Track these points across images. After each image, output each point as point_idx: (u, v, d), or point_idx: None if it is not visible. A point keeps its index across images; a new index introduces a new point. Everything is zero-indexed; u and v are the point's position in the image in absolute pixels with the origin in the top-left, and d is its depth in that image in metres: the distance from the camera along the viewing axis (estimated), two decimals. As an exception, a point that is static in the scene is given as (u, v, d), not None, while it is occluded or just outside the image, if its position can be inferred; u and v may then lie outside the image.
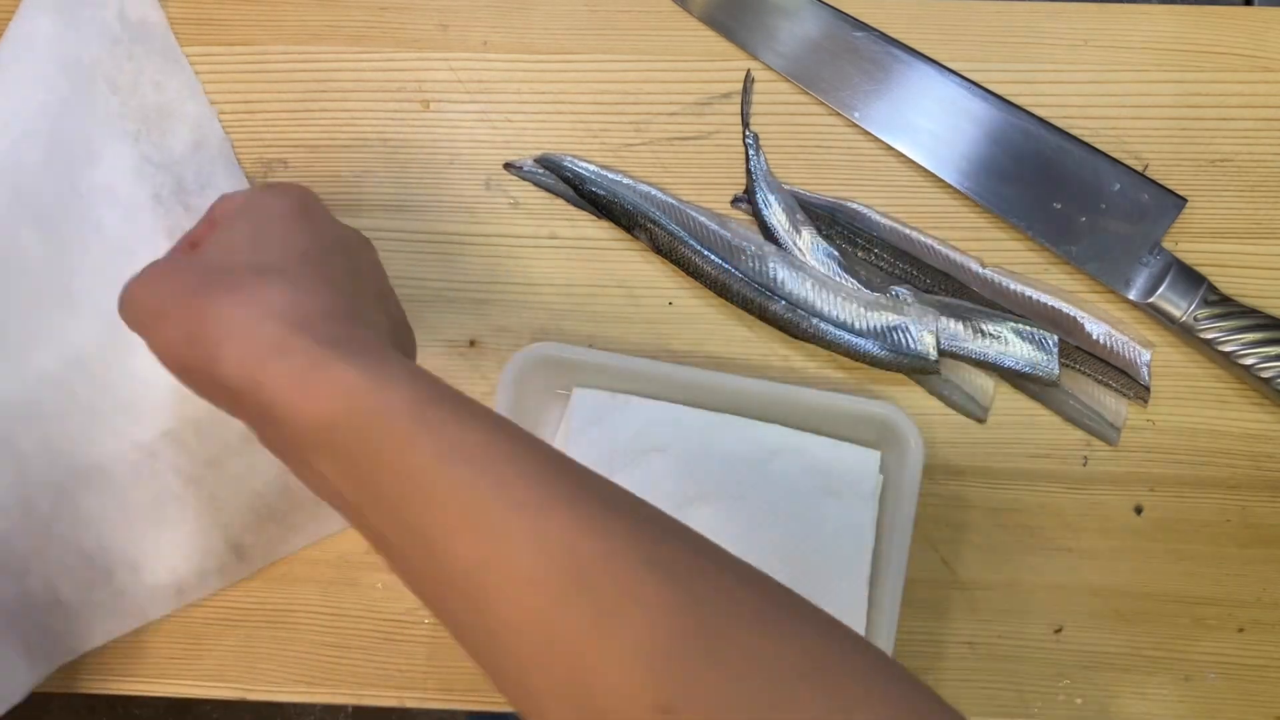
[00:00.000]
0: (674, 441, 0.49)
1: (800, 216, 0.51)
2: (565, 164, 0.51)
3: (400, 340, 0.41)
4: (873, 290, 0.51)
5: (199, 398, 0.36)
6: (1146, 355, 0.50)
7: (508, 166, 0.52)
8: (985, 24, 0.52)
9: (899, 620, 0.46)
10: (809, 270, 0.51)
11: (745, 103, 0.52)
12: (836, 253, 0.51)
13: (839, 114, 0.52)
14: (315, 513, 0.50)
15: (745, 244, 0.51)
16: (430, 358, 0.52)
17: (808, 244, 0.51)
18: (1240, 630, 0.50)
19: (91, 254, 0.49)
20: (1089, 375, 0.50)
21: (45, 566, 0.48)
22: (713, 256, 0.50)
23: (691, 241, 0.50)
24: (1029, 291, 0.50)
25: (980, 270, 0.51)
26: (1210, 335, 0.49)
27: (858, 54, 0.51)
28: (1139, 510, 0.50)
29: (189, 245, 0.39)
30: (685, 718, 0.27)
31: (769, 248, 0.51)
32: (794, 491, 0.48)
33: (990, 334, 0.50)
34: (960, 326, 0.50)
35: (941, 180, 0.51)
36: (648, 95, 0.52)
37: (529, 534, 0.29)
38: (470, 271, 0.52)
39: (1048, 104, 0.51)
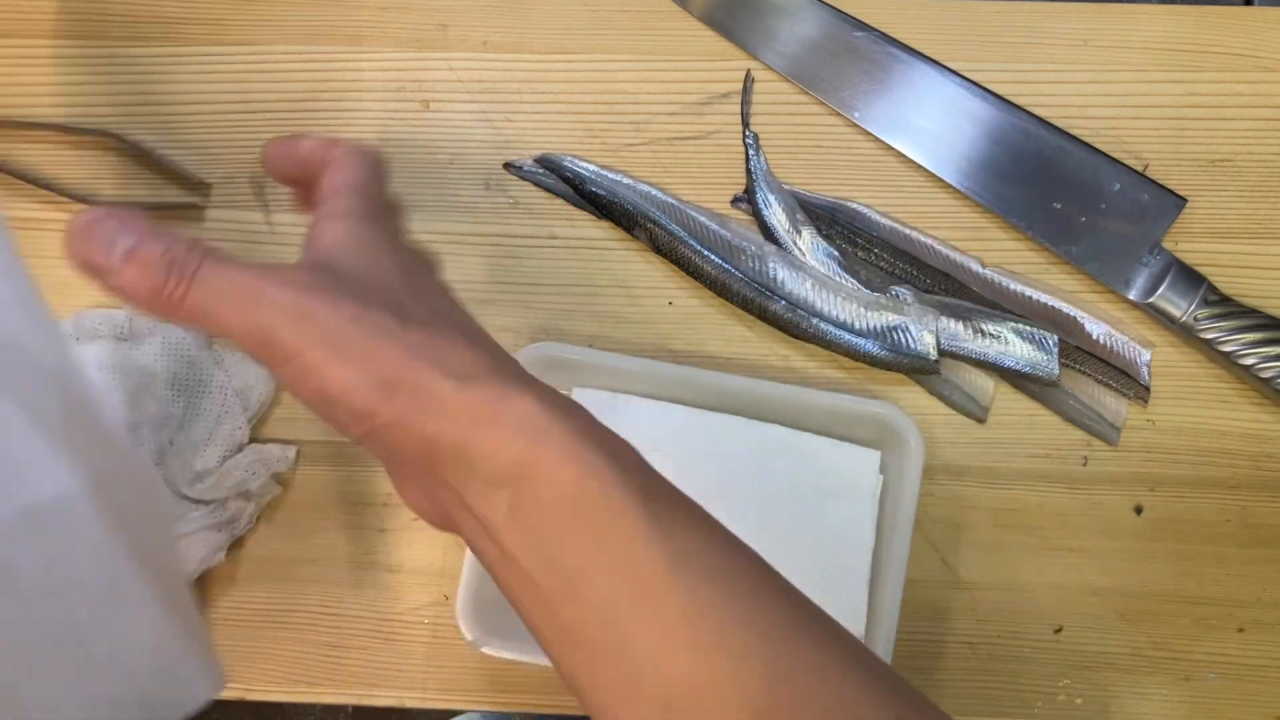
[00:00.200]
0: (674, 441, 0.49)
1: (800, 216, 0.51)
2: (565, 164, 0.51)
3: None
4: (873, 290, 0.51)
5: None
6: (1146, 355, 0.50)
7: (508, 166, 0.52)
8: (985, 24, 0.52)
9: (899, 620, 0.46)
10: (809, 270, 0.51)
11: (745, 103, 0.52)
12: (836, 253, 0.51)
13: (839, 114, 0.52)
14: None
15: (745, 244, 0.51)
16: (430, 358, 0.52)
17: (808, 244, 0.51)
18: (1240, 630, 0.50)
19: None
20: (1089, 375, 0.50)
21: None
22: (713, 256, 0.50)
23: (691, 241, 0.50)
24: (1029, 291, 0.50)
25: (980, 270, 0.51)
26: (1210, 335, 0.49)
27: (858, 54, 0.51)
28: (1139, 510, 0.50)
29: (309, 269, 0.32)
30: None
31: (769, 248, 0.51)
32: (794, 491, 0.48)
33: (990, 334, 0.50)
34: (960, 326, 0.50)
35: (941, 180, 0.51)
36: (648, 95, 0.52)
37: (759, 658, 0.28)
38: (470, 271, 0.52)
39: (1048, 104, 0.51)
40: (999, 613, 0.51)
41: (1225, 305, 0.49)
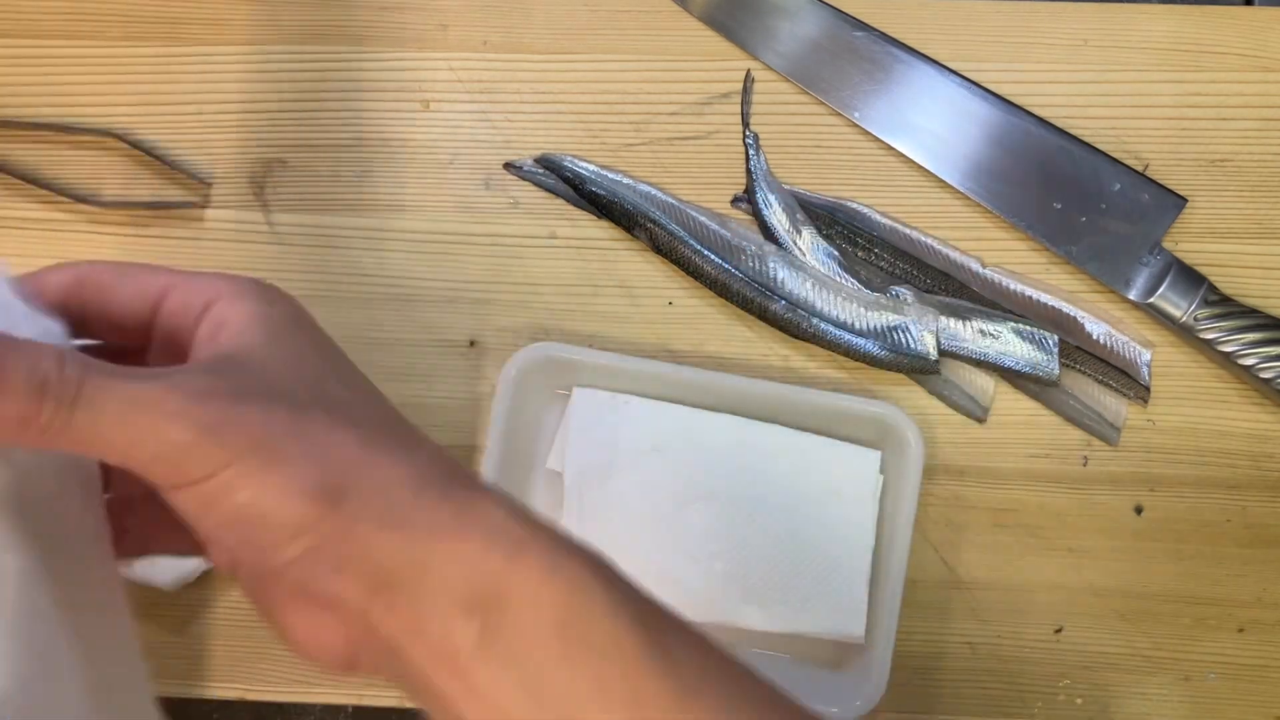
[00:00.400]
0: (674, 441, 0.49)
1: (800, 216, 0.51)
2: (565, 164, 0.51)
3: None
4: (873, 290, 0.51)
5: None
6: (1146, 355, 0.50)
7: (508, 166, 0.52)
8: (985, 24, 0.52)
9: (899, 620, 0.46)
10: (809, 270, 0.51)
11: (745, 103, 0.52)
12: (836, 253, 0.51)
13: (839, 114, 0.52)
14: None
15: (745, 244, 0.51)
16: (430, 357, 0.52)
17: (808, 244, 0.51)
18: (1240, 630, 0.50)
19: None
20: (1089, 375, 0.50)
21: None
22: (713, 256, 0.50)
23: (691, 241, 0.50)
24: (1029, 291, 0.50)
25: (980, 270, 0.51)
26: (1210, 335, 0.49)
27: (858, 54, 0.51)
28: (1139, 510, 0.50)
29: (202, 391, 0.25)
30: None
31: (769, 248, 0.51)
32: (794, 491, 0.48)
33: (990, 334, 0.50)
34: (960, 326, 0.50)
35: (942, 180, 0.51)
36: (648, 95, 0.52)
37: None
38: (470, 271, 0.52)
39: (1048, 104, 0.51)
40: (999, 613, 0.51)
41: (1225, 305, 0.49)
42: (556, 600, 0.25)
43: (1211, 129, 0.51)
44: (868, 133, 0.51)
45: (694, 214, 0.51)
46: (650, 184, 0.51)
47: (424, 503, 0.25)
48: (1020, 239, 0.51)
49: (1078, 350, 0.50)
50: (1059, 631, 0.50)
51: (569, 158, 0.52)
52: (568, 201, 0.52)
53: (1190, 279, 0.49)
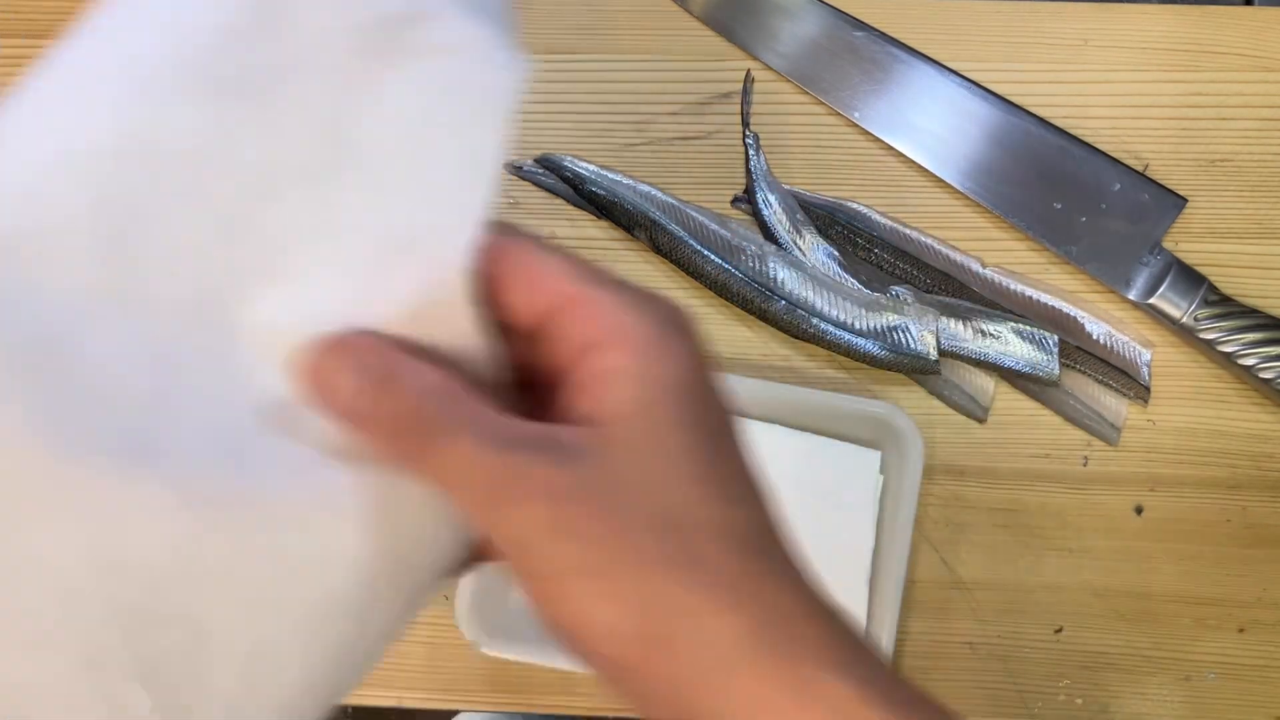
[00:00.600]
0: (674, 441, 0.49)
1: (800, 216, 0.51)
2: (565, 164, 0.51)
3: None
4: (873, 290, 0.51)
5: None
6: (1147, 355, 0.50)
7: (508, 166, 0.52)
8: (985, 24, 0.52)
9: (899, 620, 0.46)
10: (809, 270, 0.51)
11: (745, 103, 0.52)
12: (836, 253, 0.51)
13: (839, 114, 0.52)
14: None
15: (745, 244, 0.51)
16: (430, 358, 0.52)
17: (808, 244, 0.51)
18: (1240, 630, 0.50)
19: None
20: (1089, 375, 0.50)
21: None
22: (713, 256, 0.50)
23: (691, 241, 0.50)
24: (1029, 291, 0.50)
25: (980, 270, 0.51)
26: (1210, 335, 0.49)
27: (858, 54, 0.51)
28: (1139, 510, 0.50)
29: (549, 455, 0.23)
30: None
31: (769, 248, 0.51)
32: (794, 491, 0.48)
33: (990, 334, 0.50)
34: (960, 326, 0.50)
35: (942, 180, 0.51)
36: (648, 95, 0.52)
37: None
38: (470, 271, 0.52)
39: (1048, 104, 0.51)
40: (999, 613, 0.51)
41: (1225, 305, 0.49)
42: None
43: (1211, 129, 0.51)
44: (868, 133, 0.51)
45: (694, 214, 0.51)
46: (650, 184, 0.51)
47: (757, 674, 0.23)
48: (1020, 239, 0.51)
49: (1078, 350, 0.50)
50: (1059, 631, 0.50)
51: (569, 158, 0.52)
52: (568, 201, 0.52)
53: (1190, 279, 0.49)
